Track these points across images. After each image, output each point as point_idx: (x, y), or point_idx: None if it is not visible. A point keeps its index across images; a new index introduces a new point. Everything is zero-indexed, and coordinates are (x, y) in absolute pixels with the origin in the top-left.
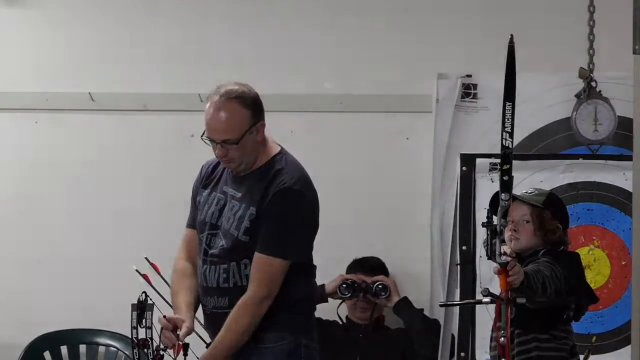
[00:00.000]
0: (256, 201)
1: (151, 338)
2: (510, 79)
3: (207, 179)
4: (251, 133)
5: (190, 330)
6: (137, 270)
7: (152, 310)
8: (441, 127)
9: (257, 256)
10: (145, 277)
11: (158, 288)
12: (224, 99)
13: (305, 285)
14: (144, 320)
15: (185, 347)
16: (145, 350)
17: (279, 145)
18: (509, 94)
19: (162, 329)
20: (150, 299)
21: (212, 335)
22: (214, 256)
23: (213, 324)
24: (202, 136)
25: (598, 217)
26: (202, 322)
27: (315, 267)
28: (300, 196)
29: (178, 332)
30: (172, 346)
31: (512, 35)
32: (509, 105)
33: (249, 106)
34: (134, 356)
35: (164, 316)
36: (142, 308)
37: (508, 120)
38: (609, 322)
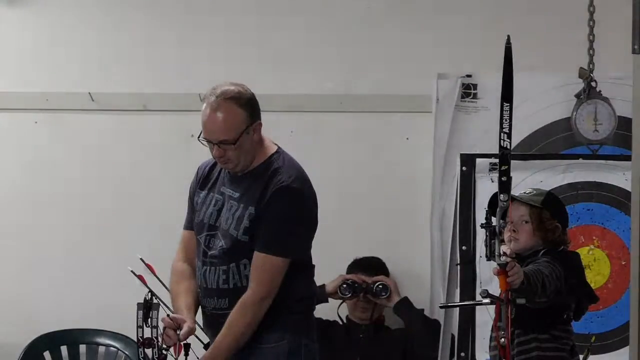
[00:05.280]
0: (255, 200)
1: (156, 337)
2: (507, 80)
3: (204, 180)
4: (248, 133)
5: (192, 330)
6: (132, 271)
7: (157, 310)
8: (441, 127)
9: (257, 255)
10: (140, 277)
11: (154, 289)
12: (220, 99)
13: (304, 285)
14: (149, 320)
15: (187, 347)
16: (150, 349)
17: (276, 144)
18: (507, 94)
19: (164, 328)
20: (156, 299)
21: (212, 336)
22: (213, 257)
23: (213, 325)
24: (199, 137)
25: (598, 217)
26: (201, 323)
27: (314, 266)
28: (298, 194)
29: (179, 332)
30: (174, 345)
31: (508, 36)
32: (507, 106)
33: (245, 106)
34: (139, 355)
35: (168, 315)
36: (147, 307)
37: (506, 121)
38: (609, 322)
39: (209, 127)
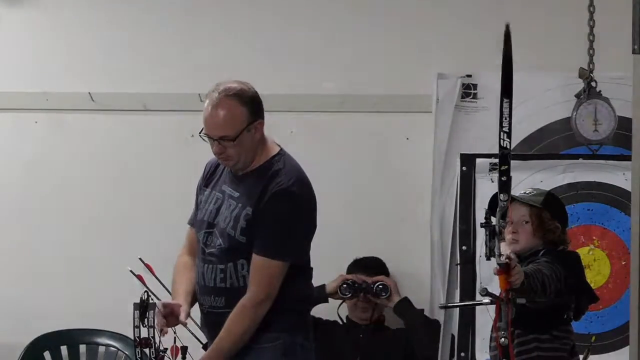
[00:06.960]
0: (253, 201)
1: (153, 337)
2: (507, 72)
3: (209, 178)
4: (249, 131)
5: (187, 313)
6: (131, 271)
7: (154, 310)
8: (441, 127)
9: (256, 258)
10: (139, 277)
11: (153, 289)
12: (222, 96)
13: (302, 286)
14: (145, 320)
15: (184, 350)
16: (147, 349)
17: (279, 145)
18: (506, 89)
19: (162, 316)
20: (152, 298)
21: (209, 335)
22: (212, 255)
23: (209, 324)
24: (200, 133)
25: (598, 217)
26: (199, 323)
27: (312, 268)
28: (297, 197)
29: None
30: (174, 327)
31: (507, 25)
32: (506, 102)
33: (247, 104)
34: (136, 355)
35: (163, 304)
36: (144, 307)
37: (505, 119)
38: (609, 322)
39: (209, 123)
